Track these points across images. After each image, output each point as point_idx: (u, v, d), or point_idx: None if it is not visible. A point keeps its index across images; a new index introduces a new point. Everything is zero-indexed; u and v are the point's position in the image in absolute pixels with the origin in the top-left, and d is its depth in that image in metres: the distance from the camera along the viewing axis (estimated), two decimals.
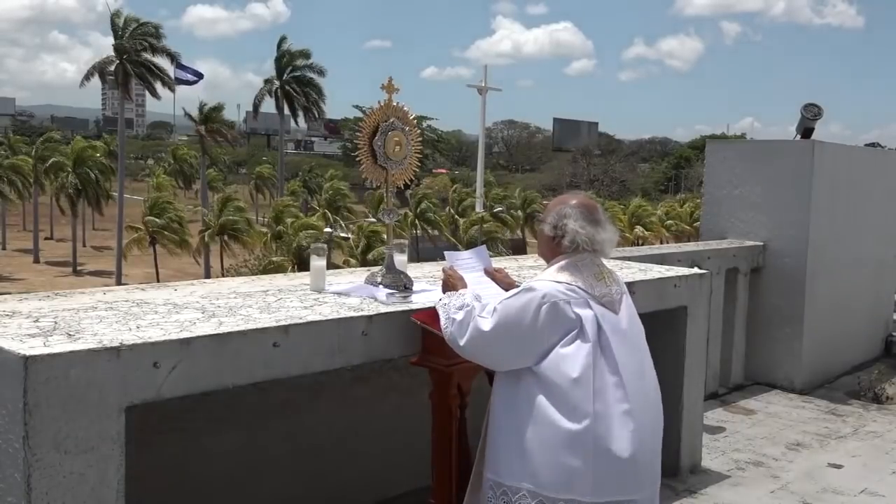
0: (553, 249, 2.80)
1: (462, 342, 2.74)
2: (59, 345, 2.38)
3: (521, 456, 2.60)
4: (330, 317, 3.02)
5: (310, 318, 2.96)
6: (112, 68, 43.60)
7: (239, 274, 33.37)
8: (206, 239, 40.92)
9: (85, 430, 2.34)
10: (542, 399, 2.59)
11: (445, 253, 3.36)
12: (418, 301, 3.36)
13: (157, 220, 40.78)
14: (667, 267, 4.98)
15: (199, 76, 47.45)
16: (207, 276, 39.39)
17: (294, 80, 52.88)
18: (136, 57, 43.54)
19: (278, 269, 31.74)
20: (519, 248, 41.69)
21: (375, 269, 3.84)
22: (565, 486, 2.54)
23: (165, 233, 40.83)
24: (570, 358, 2.58)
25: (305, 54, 53.65)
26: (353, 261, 33.74)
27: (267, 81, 53.63)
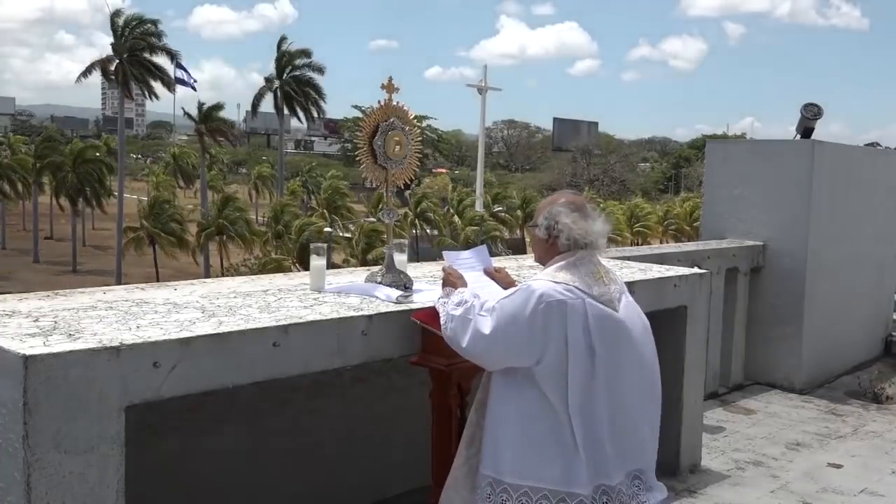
0: (549, 251, 2.80)
1: (463, 342, 2.74)
2: (58, 344, 2.38)
3: (522, 453, 2.61)
4: (330, 316, 3.02)
5: (310, 318, 2.96)
6: (112, 67, 43.53)
7: (239, 273, 33.43)
8: (203, 238, 40.91)
9: (84, 429, 2.34)
10: (538, 398, 2.60)
11: (444, 253, 3.35)
12: (418, 301, 3.36)
13: (146, 222, 40.64)
14: (667, 267, 4.98)
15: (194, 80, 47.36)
16: (207, 275, 39.37)
17: (293, 79, 52.81)
18: (135, 56, 43.45)
19: (278, 266, 31.77)
20: (518, 248, 41.65)
21: (375, 268, 3.84)
22: (564, 481, 2.57)
23: (163, 234, 40.78)
24: (564, 356, 2.59)
25: (306, 53, 53.63)
26: (352, 260, 33.80)
27: (267, 81, 53.59)
